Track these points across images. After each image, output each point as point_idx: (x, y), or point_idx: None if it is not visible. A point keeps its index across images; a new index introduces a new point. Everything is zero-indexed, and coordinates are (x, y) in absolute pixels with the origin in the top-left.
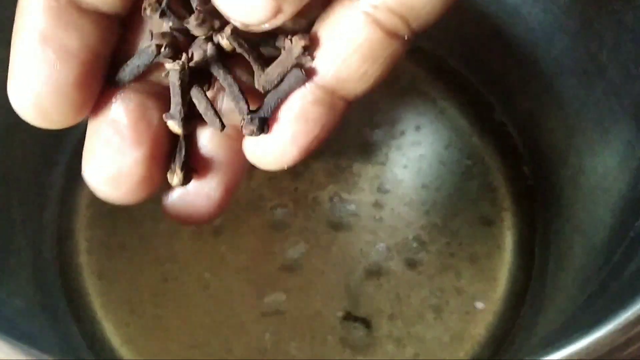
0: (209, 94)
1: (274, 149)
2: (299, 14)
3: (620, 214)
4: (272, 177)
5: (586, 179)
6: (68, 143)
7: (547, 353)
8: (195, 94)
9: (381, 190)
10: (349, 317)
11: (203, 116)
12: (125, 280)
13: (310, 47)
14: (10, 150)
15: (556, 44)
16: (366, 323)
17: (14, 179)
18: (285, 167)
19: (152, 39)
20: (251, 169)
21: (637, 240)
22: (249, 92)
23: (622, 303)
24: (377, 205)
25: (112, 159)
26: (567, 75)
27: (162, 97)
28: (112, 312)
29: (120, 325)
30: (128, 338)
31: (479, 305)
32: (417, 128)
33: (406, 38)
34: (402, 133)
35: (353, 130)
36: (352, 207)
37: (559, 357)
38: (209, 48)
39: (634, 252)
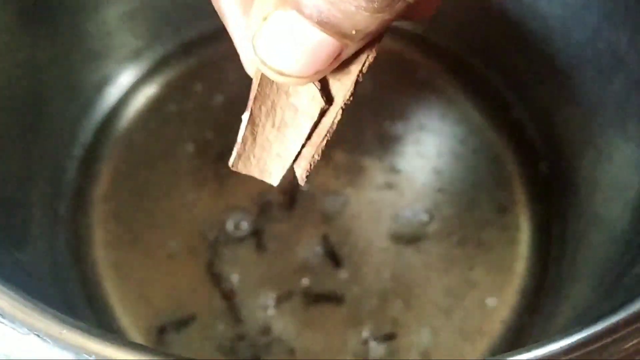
0: None
1: None
2: None
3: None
4: None
5: (604, 172)
6: (82, 138)
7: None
8: None
9: (393, 172)
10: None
11: None
12: (141, 273)
13: None
14: (28, 149)
15: (573, 38)
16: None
17: (33, 176)
18: None
19: None
20: None
21: None
22: None
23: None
24: (389, 185)
25: None
26: (584, 69)
27: None
28: (129, 305)
29: (137, 318)
30: (145, 330)
31: (494, 299)
32: (434, 122)
33: None
34: (420, 127)
35: (372, 124)
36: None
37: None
38: None
39: None
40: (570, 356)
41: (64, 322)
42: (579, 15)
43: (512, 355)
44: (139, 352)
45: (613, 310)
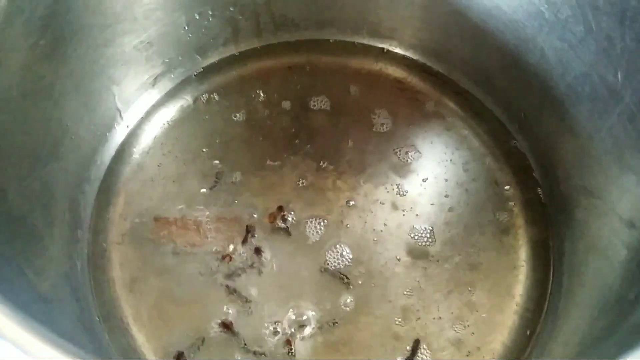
0: None
1: None
2: None
3: None
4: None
5: (601, 201)
6: (100, 162)
7: None
8: None
9: (399, 197)
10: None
11: None
12: (156, 294)
13: None
14: (49, 174)
15: (571, 71)
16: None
17: (53, 201)
18: None
19: None
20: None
21: None
22: None
23: None
24: (394, 207)
25: None
26: (581, 101)
27: None
28: (144, 325)
29: (151, 338)
30: (160, 349)
31: (493, 321)
32: (438, 149)
33: None
34: (425, 154)
35: (382, 151)
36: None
37: None
38: None
39: None
40: None
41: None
42: (576, 50)
43: None
44: None
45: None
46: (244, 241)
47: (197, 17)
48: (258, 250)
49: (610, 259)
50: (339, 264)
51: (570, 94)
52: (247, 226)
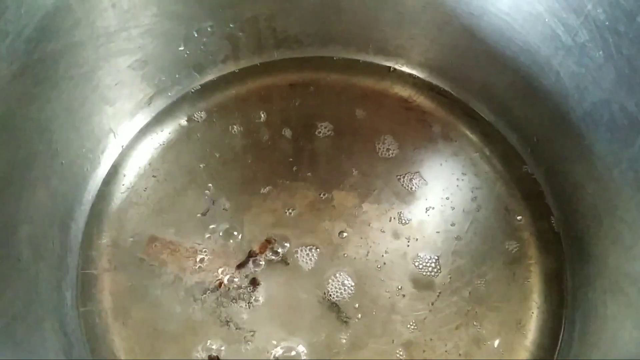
0: None
1: None
2: None
3: None
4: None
5: (620, 237)
6: (91, 183)
7: None
8: None
9: (401, 225)
10: None
11: None
12: (148, 325)
13: None
14: (37, 204)
15: (588, 97)
16: None
17: (42, 230)
18: None
19: None
20: None
21: None
22: None
23: None
24: (397, 236)
25: None
26: (600, 129)
27: None
28: (136, 358)
29: None
30: None
31: (504, 357)
32: (445, 175)
33: None
34: (431, 180)
35: (386, 177)
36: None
37: None
38: None
39: None
40: None
41: None
42: (595, 76)
43: None
44: None
45: None
46: (240, 265)
47: (196, 35)
48: (254, 282)
49: (632, 300)
50: (340, 294)
51: (588, 121)
52: (250, 251)
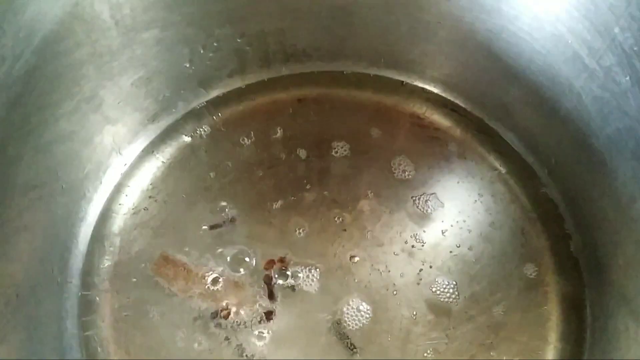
0: None
1: None
2: None
3: None
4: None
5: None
6: (93, 205)
7: None
8: None
9: (415, 249)
10: None
11: None
12: (154, 354)
13: None
14: (42, 226)
15: (612, 123)
16: None
17: (39, 259)
18: None
19: None
20: None
21: None
22: None
23: None
24: (411, 255)
25: None
26: (624, 156)
27: None
28: None
29: None
30: None
31: None
32: (462, 196)
33: None
34: (447, 201)
35: (401, 199)
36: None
37: None
38: None
39: None
40: None
41: None
42: (620, 101)
43: None
44: None
45: None
46: (271, 296)
47: (202, 51)
48: (269, 315)
49: None
50: (353, 320)
51: (611, 147)
52: (265, 275)
